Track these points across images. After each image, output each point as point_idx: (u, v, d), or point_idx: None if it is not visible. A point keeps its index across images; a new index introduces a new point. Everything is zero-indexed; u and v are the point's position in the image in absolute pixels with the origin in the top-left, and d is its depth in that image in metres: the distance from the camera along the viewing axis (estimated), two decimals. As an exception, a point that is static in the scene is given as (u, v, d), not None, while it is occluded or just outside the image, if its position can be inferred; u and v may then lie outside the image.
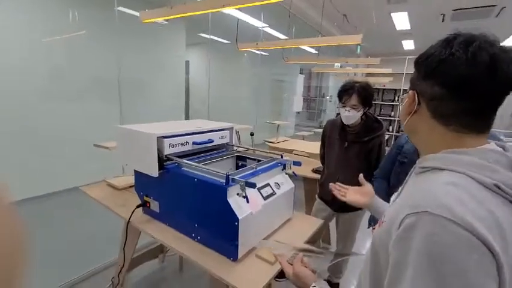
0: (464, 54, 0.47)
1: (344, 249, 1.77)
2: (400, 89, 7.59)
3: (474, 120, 0.51)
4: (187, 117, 5.21)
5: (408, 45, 6.28)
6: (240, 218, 0.99)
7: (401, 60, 7.12)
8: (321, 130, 5.52)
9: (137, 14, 1.70)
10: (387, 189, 1.25)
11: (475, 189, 0.45)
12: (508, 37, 5.03)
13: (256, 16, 3.87)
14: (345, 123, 1.54)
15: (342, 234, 1.76)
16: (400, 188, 0.64)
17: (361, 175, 1.01)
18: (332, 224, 1.92)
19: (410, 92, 0.57)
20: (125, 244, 1.41)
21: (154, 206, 1.32)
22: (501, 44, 0.48)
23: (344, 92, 1.50)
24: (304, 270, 0.72)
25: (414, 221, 0.43)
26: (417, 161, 0.58)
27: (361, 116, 1.52)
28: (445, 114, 0.52)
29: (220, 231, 1.06)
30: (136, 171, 1.35)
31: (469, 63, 0.47)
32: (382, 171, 1.35)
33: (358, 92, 1.46)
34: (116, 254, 1.72)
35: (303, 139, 4.42)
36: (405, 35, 5.44)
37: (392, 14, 4.15)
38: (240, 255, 1.04)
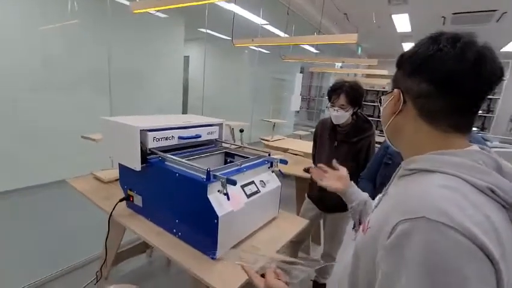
0: (452, 50, 0.46)
1: (330, 250, 1.76)
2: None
3: (460, 118, 0.50)
4: (184, 114, 5.19)
5: (409, 47, 6.23)
6: (219, 215, 0.97)
7: (401, 62, 7.08)
8: (318, 130, 5.41)
9: (127, 3, 1.67)
10: (372, 191, 1.23)
11: (469, 193, 0.43)
12: (508, 43, 5.00)
13: (256, 12, 3.83)
14: (334, 122, 1.52)
15: (329, 235, 1.75)
16: (383, 191, 0.62)
17: (334, 160, 1.00)
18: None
19: (395, 90, 0.55)
20: (107, 238, 1.39)
21: (137, 200, 1.30)
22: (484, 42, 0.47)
23: (333, 92, 1.48)
24: (277, 282, 0.65)
25: (408, 227, 0.41)
26: (402, 163, 0.56)
27: (351, 116, 1.50)
28: (432, 112, 0.51)
29: (200, 228, 1.04)
30: (120, 165, 1.33)
31: (457, 59, 0.46)
32: (369, 172, 1.33)
33: (346, 92, 1.44)
34: (99, 247, 1.70)
35: (300, 138, 4.40)
36: (406, 37, 5.41)
37: (393, 16, 4.12)
38: (219, 254, 1.02)
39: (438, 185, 0.44)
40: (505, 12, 3.56)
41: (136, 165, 1.16)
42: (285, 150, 3.24)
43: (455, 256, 0.37)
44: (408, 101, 0.53)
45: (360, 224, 0.89)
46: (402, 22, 4.37)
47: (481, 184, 0.43)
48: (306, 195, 1.82)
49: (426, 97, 0.50)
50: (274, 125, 3.67)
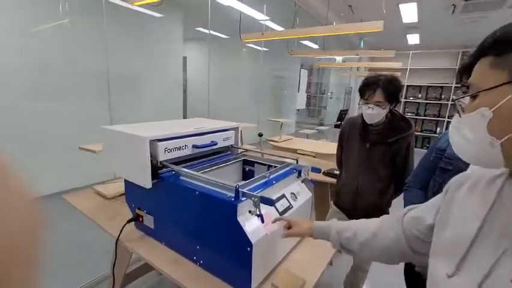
0: None
1: (362, 262, 1.58)
2: (404, 85, 7.41)
3: None
4: (184, 117, 5.01)
5: (413, 39, 6.08)
6: (253, 242, 0.79)
7: (404, 55, 6.93)
8: (323, 128, 5.32)
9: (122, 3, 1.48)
10: (425, 201, 1.06)
11: None
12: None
13: (259, 8, 3.65)
14: (368, 122, 1.34)
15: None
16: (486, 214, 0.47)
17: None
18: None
19: None
20: (114, 265, 1.21)
21: (148, 221, 1.12)
22: None
23: (367, 87, 1.29)
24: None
25: None
26: None
27: (386, 114, 1.32)
28: None
29: (229, 256, 0.86)
30: (126, 180, 1.15)
31: None
32: (417, 180, 1.15)
33: (383, 86, 1.26)
34: (108, 267, 1.52)
35: (307, 137, 4.23)
36: (411, 28, 5.24)
37: (400, 5, 3.95)
38: (253, 286, 0.84)
39: None
40: (519, -2, 3.39)
41: (146, 182, 0.98)
42: (294, 151, 3.07)
43: None
44: None
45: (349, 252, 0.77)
46: (409, 12, 4.20)
47: None
48: (331, 202, 1.65)
49: None
50: (282, 125, 3.49)
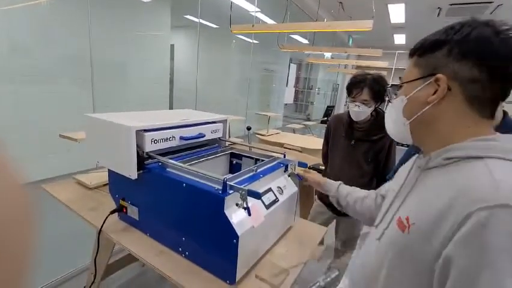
0: (502, 36, 0.47)
1: (343, 257, 1.64)
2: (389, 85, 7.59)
3: (498, 104, 0.50)
4: (171, 107, 4.91)
5: (400, 39, 6.23)
6: (239, 234, 0.80)
7: (390, 54, 7.09)
8: (310, 123, 5.38)
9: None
10: None
11: None
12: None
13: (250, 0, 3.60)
14: (354, 119, 1.38)
15: (343, 241, 1.63)
16: (401, 185, 0.62)
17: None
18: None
19: (440, 75, 0.51)
20: (96, 256, 1.19)
21: (132, 212, 1.11)
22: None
23: (354, 85, 1.32)
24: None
25: (487, 216, 0.40)
26: (432, 154, 0.54)
27: (371, 112, 1.36)
28: (482, 98, 0.49)
29: (215, 248, 0.87)
30: (110, 170, 1.12)
31: (505, 45, 0.46)
32: None
33: (370, 85, 1.29)
34: (89, 258, 1.49)
35: (294, 132, 4.27)
36: (398, 28, 5.36)
37: (389, 5, 4.02)
38: (238, 278, 0.85)
39: (503, 170, 0.44)
40: (500, 4, 3.54)
41: (132, 172, 0.96)
42: (281, 145, 3.09)
43: None
44: (454, 87, 0.50)
45: (339, 205, 0.99)
46: (397, 12, 4.29)
47: None
48: (316, 197, 1.69)
49: (476, 82, 0.48)
50: (269, 119, 3.50)
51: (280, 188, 1.09)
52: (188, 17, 5.08)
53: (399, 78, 0.66)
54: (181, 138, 1.11)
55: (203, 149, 1.27)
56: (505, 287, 0.38)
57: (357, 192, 0.95)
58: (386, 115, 0.67)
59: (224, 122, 1.36)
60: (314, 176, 1.10)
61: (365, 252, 0.70)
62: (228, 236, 0.81)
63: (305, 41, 5.86)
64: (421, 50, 0.56)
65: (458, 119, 0.51)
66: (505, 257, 0.38)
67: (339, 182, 1.02)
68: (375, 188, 1.54)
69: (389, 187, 0.77)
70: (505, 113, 0.95)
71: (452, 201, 0.45)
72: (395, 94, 0.63)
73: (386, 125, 0.66)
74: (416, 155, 0.64)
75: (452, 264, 0.42)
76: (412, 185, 0.58)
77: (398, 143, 1.42)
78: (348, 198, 0.95)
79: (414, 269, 0.49)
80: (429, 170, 0.55)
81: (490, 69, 0.47)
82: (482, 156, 0.47)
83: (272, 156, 1.20)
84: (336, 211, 1.57)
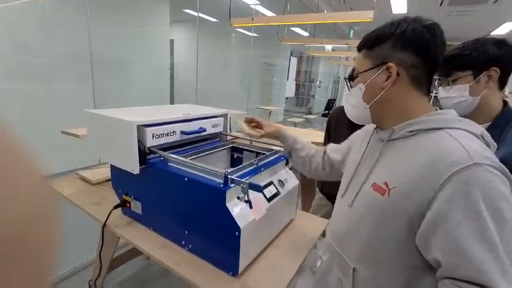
0: (425, 29, 0.59)
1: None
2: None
3: (430, 83, 0.64)
4: (171, 103, 4.90)
5: (402, 30, 6.13)
6: (241, 227, 0.81)
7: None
8: (311, 116, 5.36)
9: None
10: None
11: (476, 139, 0.56)
12: (502, 24, 4.98)
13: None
14: None
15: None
16: (361, 156, 0.73)
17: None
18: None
19: (390, 64, 0.61)
20: (101, 250, 1.21)
21: (136, 206, 1.12)
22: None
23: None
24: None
25: (467, 175, 0.49)
26: (395, 128, 0.63)
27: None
28: (420, 79, 0.62)
29: (217, 241, 0.88)
30: (112, 165, 1.13)
31: (432, 35, 0.59)
32: None
33: None
34: (94, 251, 1.51)
35: (295, 126, 4.26)
36: (400, 19, 5.28)
37: (391, -5, 3.96)
38: (241, 269, 0.87)
39: (463, 136, 0.54)
40: (504, -7, 3.47)
41: (134, 167, 0.97)
42: (283, 139, 3.09)
43: (501, 185, 0.49)
44: (402, 72, 0.61)
45: (290, 156, 1.08)
46: (399, 2, 4.22)
47: (475, 132, 0.57)
48: (317, 190, 1.69)
49: (416, 67, 0.61)
50: (270, 113, 3.50)
51: (281, 181, 1.10)
52: (187, 11, 5.04)
53: (353, 70, 0.72)
54: (182, 132, 1.11)
55: (204, 143, 1.28)
56: (486, 226, 0.47)
57: (308, 149, 1.05)
58: (344, 102, 0.76)
59: (225, 116, 1.36)
60: (268, 131, 1.08)
61: (335, 219, 0.79)
62: (230, 229, 0.82)
63: (306, 34, 5.80)
64: (369, 44, 0.65)
65: (407, 98, 0.63)
66: (485, 203, 0.47)
67: (295, 135, 1.07)
68: None
69: (339, 149, 0.98)
70: (505, 102, 0.93)
71: (431, 165, 0.53)
72: (350, 84, 0.72)
73: (346, 110, 0.75)
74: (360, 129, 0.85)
75: (444, 218, 0.49)
76: (377, 155, 0.66)
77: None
78: (301, 152, 1.04)
79: (394, 224, 0.58)
80: (392, 142, 0.64)
81: (423, 55, 0.60)
82: (441, 127, 0.57)
83: (273, 149, 1.20)
84: (337, 203, 1.57)
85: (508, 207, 0.48)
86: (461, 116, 0.62)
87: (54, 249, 0.17)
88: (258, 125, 1.10)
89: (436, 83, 0.67)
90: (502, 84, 0.91)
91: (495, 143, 0.60)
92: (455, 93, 0.93)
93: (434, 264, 0.53)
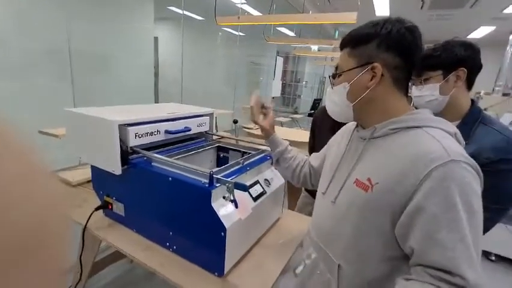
0: (407, 30, 0.61)
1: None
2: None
3: (408, 84, 0.67)
4: (156, 102, 4.80)
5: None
6: (227, 226, 0.80)
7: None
8: (297, 116, 5.41)
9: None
10: None
11: (451, 137, 0.59)
12: (478, 28, 5.22)
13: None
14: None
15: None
16: (342, 154, 0.74)
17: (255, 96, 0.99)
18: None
19: (376, 64, 0.62)
20: (81, 254, 1.17)
21: (118, 208, 1.09)
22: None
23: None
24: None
25: (444, 170, 0.52)
26: (377, 126, 0.65)
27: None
28: (401, 80, 0.64)
29: (203, 241, 0.87)
30: (93, 166, 1.09)
31: (413, 36, 0.61)
32: None
33: None
34: (74, 256, 1.46)
35: (282, 125, 4.29)
36: (383, 21, 5.43)
37: (374, -2, 4.05)
38: (226, 270, 0.86)
39: (440, 135, 0.57)
40: (480, -2, 3.63)
41: (116, 168, 0.94)
42: (270, 139, 3.10)
43: (473, 181, 0.52)
44: (385, 73, 0.63)
45: (278, 163, 1.02)
46: (382, 5, 4.33)
47: (450, 131, 0.60)
48: (303, 189, 1.71)
49: (398, 68, 0.62)
50: (256, 112, 3.49)
51: (267, 180, 1.10)
52: (172, 8, 4.94)
53: (336, 67, 0.71)
54: (167, 132, 1.09)
55: (189, 143, 1.26)
56: (460, 217, 0.50)
57: (300, 159, 1.01)
58: (327, 100, 0.76)
59: (210, 115, 1.34)
60: (267, 126, 0.99)
61: (318, 216, 0.80)
62: (215, 229, 0.81)
63: (292, 34, 5.85)
64: (353, 43, 0.66)
65: (390, 98, 0.65)
66: (460, 197, 0.51)
67: (287, 142, 1.01)
68: None
69: (318, 156, 0.96)
70: (473, 101, 0.97)
71: (412, 161, 0.55)
72: (333, 83, 0.73)
73: (328, 108, 0.75)
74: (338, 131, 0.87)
75: (423, 210, 0.52)
76: (359, 153, 0.68)
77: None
78: (291, 161, 1.00)
79: (378, 219, 0.60)
80: (374, 140, 0.66)
81: (405, 56, 0.62)
82: (420, 126, 0.60)
83: (259, 149, 1.20)
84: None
85: (477, 200, 0.52)
86: (433, 114, 0.65)
87: (68, 237, 0.18)
88: (265, 112, 1.01)
89: (410, 82, 0.68)
90: (469, 84, 0.96)
91: (464, 141, 0.63)
92: (427, 92, 0.96)
93: (409, 252, 0.56)
